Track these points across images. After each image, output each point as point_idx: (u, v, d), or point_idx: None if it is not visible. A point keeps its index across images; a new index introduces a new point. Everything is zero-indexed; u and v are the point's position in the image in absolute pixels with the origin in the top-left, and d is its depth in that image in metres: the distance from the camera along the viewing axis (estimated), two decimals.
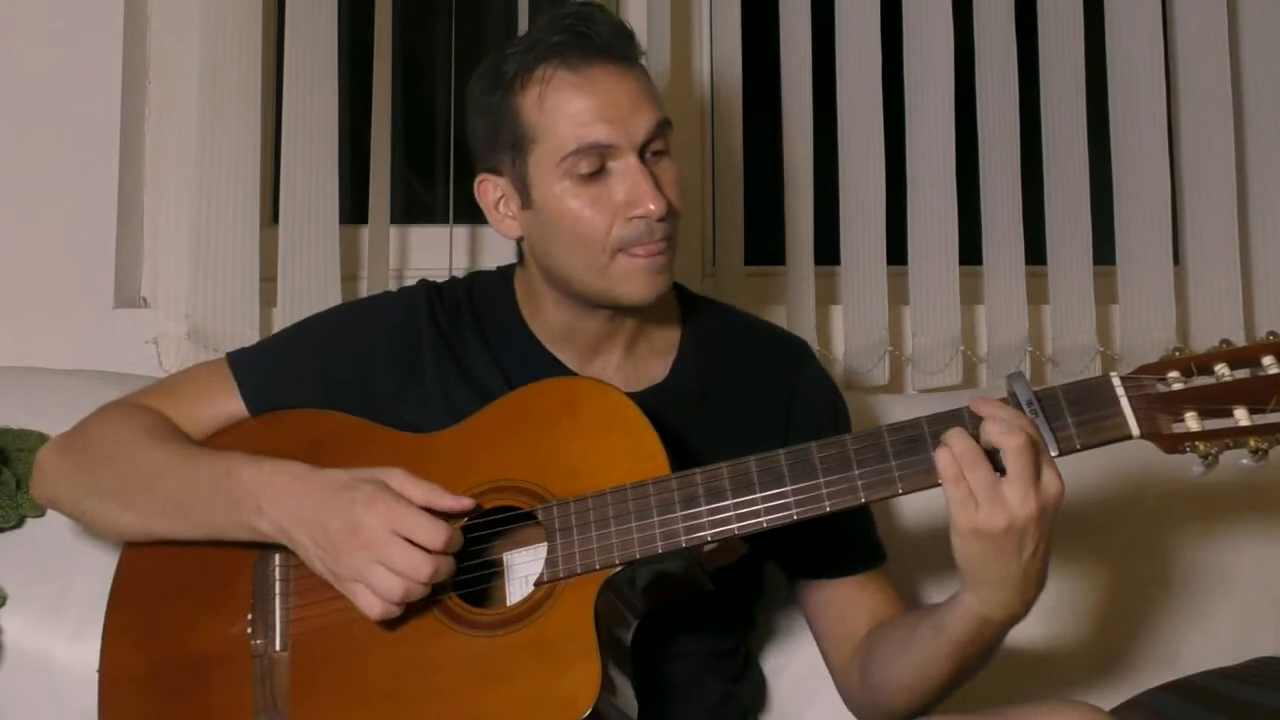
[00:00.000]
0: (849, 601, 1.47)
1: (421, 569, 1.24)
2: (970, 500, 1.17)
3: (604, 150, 1.34)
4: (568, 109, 1.34)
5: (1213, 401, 1.18)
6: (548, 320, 1.46)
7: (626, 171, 1.34)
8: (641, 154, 1.35)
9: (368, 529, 1.25)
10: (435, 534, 1.24)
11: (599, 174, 1.34)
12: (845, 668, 1.47)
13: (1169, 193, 2.04)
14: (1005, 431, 1.16)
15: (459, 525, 1.30)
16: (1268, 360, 1.18)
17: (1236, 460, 1.18)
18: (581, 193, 1.35)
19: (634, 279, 1.36)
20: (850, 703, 1.48)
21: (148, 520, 1.38)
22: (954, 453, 1.17)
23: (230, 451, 1.37)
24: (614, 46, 1.36)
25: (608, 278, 1.36)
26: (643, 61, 1.40)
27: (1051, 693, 1.35)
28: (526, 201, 1.39)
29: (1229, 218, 2.04)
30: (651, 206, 1.33)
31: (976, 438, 1.18)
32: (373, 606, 1.25)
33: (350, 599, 1.27)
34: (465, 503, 1.28)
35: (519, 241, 1.46)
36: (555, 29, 1.36)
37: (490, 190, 1.43)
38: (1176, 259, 2.08)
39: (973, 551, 1.19)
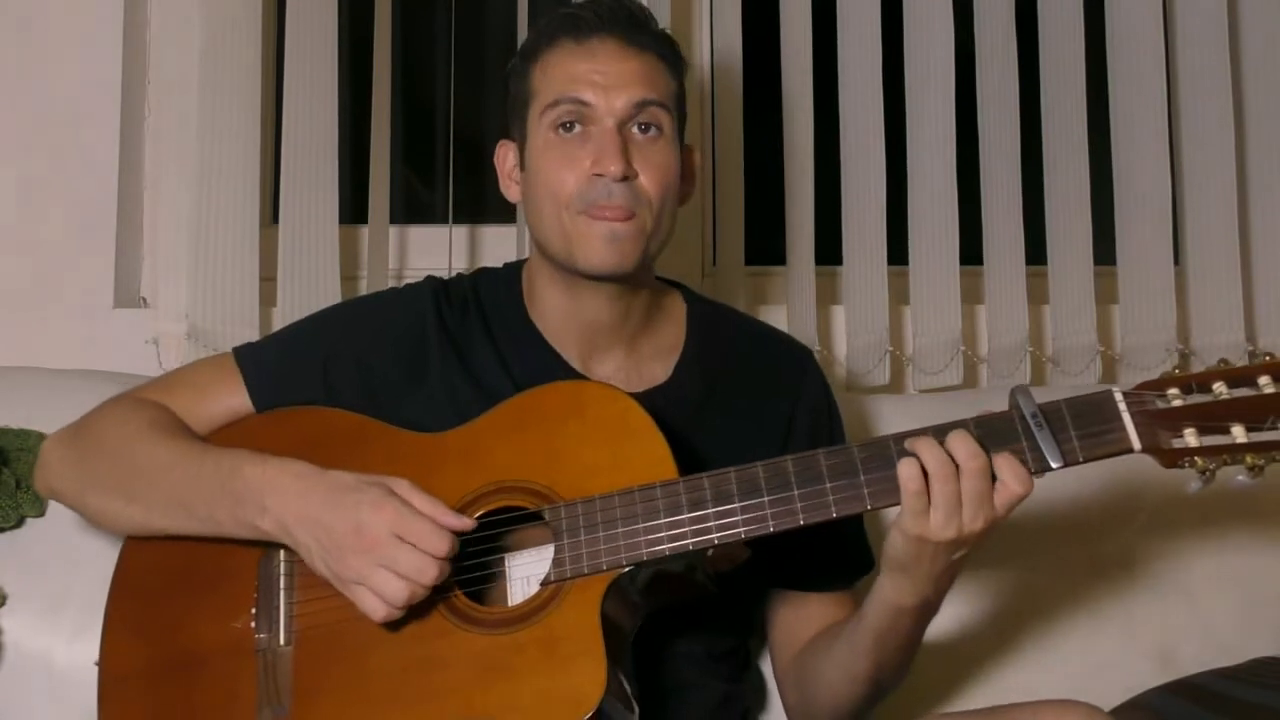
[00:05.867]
0: (808, 612, 1.49)
1: (426, 572, 1.24)
2: (925, 513, 1.20)
3: (583, 108, 1.38)
4: (562, 69, 1.40)
5: (1211, 418, 1.20)
6: (548, 309, 1.46)
7: (599, 135, 1.37)
8: (624, 125, 1.38)
9: (373, 531, 1.25)
10: (440, 540, 1.24)
11: (578, 134, 1.38)
12: (784, 672, 1.50)
13: (1169, 193, 2.04)
14: (971, 454, 1.19)
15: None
16: (1264, 380, 1.20)
17: (1233, 476, 1.20)
18: (557, 146, 1.39)
19: (590, 242, 1.37)
20: (786, 708, 1.51)
21: (151, 515, 1.38)
22: (926, 464, 1.20)
23: (235, 449, 1.36)
24: (627, 29, 1.41)
25: (569, 239, 1.38)
26: (672, 60, 1.45)
27: (1052, 692, 1.34)
28: (524, 162, 1.44)
29: (1229, 218, 2.04)
30: (612, 168, 1.35)
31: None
32: (376, 609, 1.25)
33: (353, 600, 1.27)
34: (468, 522, 1.28)
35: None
36: (577, 6, 1.43)
37: (505, 156, 1.48)
38: (1176, 259, 2.08)
39: (910, 551, 1.23)
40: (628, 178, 1.36)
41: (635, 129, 1.39)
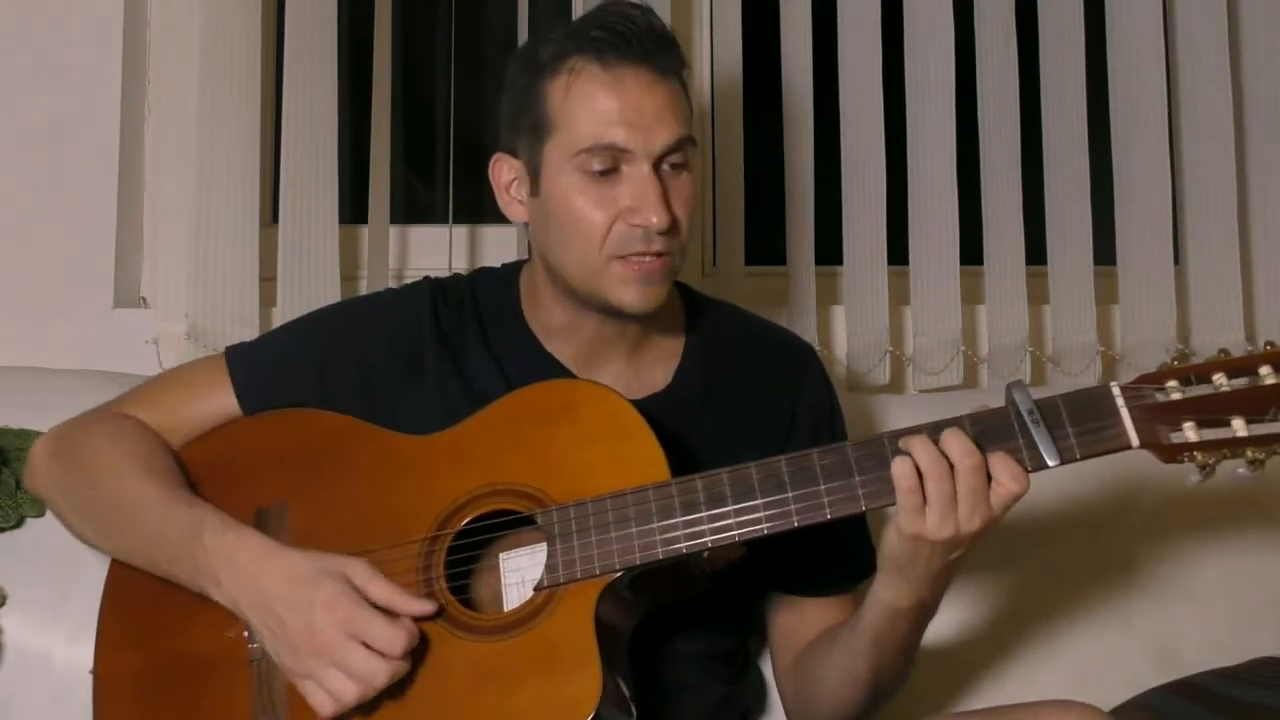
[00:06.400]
0: (808, 615, 1.49)
1: (377, 677, 1.22)
2: (921, 512, 1.19)
3: (619, 153, 1.33)
4: (591, 105, 1.33)
5: (1210, 412, 1.18)
6: (547, 317, 1.45)
7: (637, 178, 1.33)
8: (658, 164, 1.34)
9: (326, 634, 1.22)
10: (394, 642, 1.22)
11: (610, 174, 1.34)
12: (784, 674, 1.50)
13: (1169, 193, 2.04)
14: (965, 451, 1.19)
15: (453, 533, 1.30)
16: (1265, 370, 1.18)
17: (1233, 469, 1.19)
18: (588, 190, 1.34)
19: (626, 286, 1.35)
20: (786, 710, 1.50)
21: (119, 553, 1.40)
22: (919, 462, 1.19)
23: (202, 505, 1.34)
24: (653, 53, 1.35)
25: (600, 280, 1.35)
26: (684, 75, 1.40)
27: (1052, 692, 1.35)
28: (535, 188, 1.39)
29: (1229, 218, 2.04)
30: (654, 219, 1.32)
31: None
32: (324, 705, 1.23)
33: (301, 692, 1.24)
34: (427, 606, 1.26)
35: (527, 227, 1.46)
36: (597, 23, 1.36)
37: (504, 171, 1.43)
38: (1176, 259, 2.08)
39: (906, 551, 1.23)
40: (671, 227, 1.34)
41: (666, 166, 1.35)
